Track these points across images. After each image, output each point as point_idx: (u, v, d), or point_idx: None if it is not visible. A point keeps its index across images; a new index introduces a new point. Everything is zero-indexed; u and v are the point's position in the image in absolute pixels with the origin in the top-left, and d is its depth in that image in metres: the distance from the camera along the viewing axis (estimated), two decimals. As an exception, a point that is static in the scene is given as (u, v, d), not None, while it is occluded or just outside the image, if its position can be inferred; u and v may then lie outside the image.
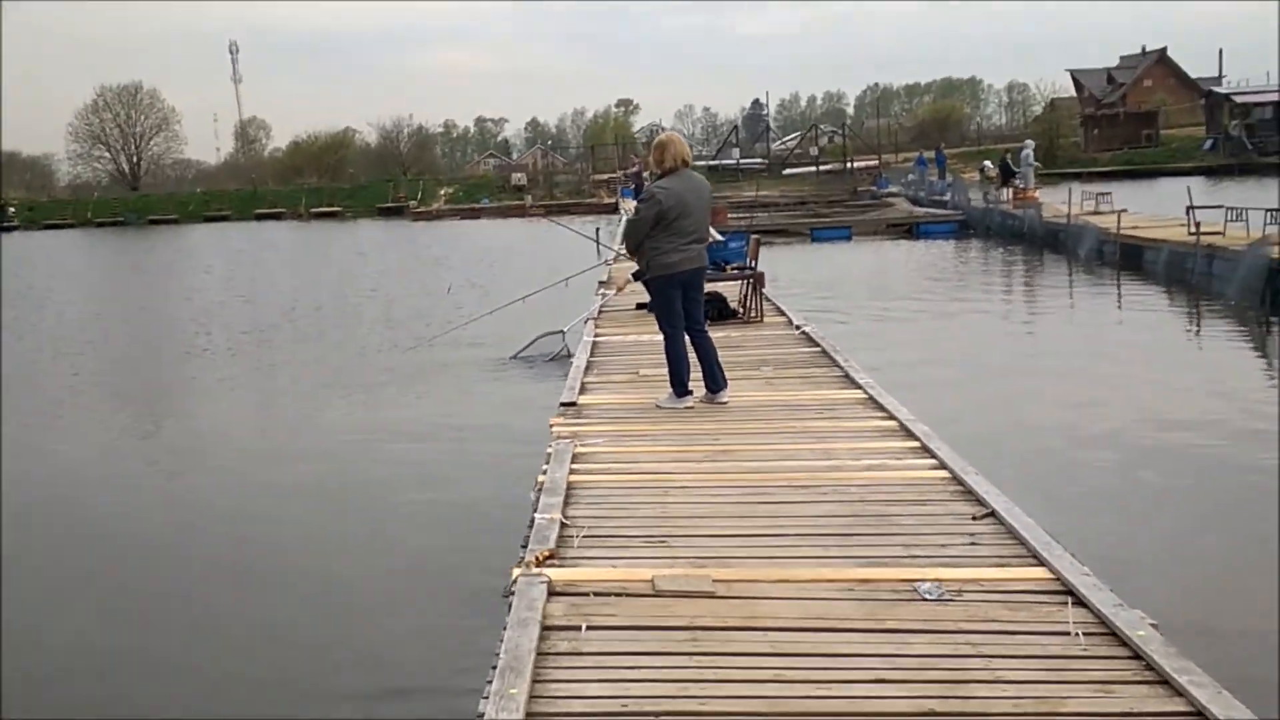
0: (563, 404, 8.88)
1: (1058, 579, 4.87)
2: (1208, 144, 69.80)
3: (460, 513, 9.09)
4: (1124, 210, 29.52)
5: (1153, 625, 4.31)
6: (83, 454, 12.24)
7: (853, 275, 26.70)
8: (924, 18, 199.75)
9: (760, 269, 13.72)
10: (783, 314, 13.77)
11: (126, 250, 52.91)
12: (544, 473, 6.76)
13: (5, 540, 8.90)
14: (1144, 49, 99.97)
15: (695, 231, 8.54)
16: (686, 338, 8.74)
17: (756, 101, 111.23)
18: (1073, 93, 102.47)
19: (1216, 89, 78.23)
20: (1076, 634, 4.35)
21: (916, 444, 7.30)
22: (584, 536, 5.57)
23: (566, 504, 6.09)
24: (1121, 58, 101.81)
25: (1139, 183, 51.12)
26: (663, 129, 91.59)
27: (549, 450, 7.35)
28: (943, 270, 27.59)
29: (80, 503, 10.24)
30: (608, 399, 9.14)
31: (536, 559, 5.14)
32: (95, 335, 22.25)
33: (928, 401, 9.76)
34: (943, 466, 6.73)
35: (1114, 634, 4.32)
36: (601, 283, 19.45)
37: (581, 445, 7.48)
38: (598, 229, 39.27)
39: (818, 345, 11.37)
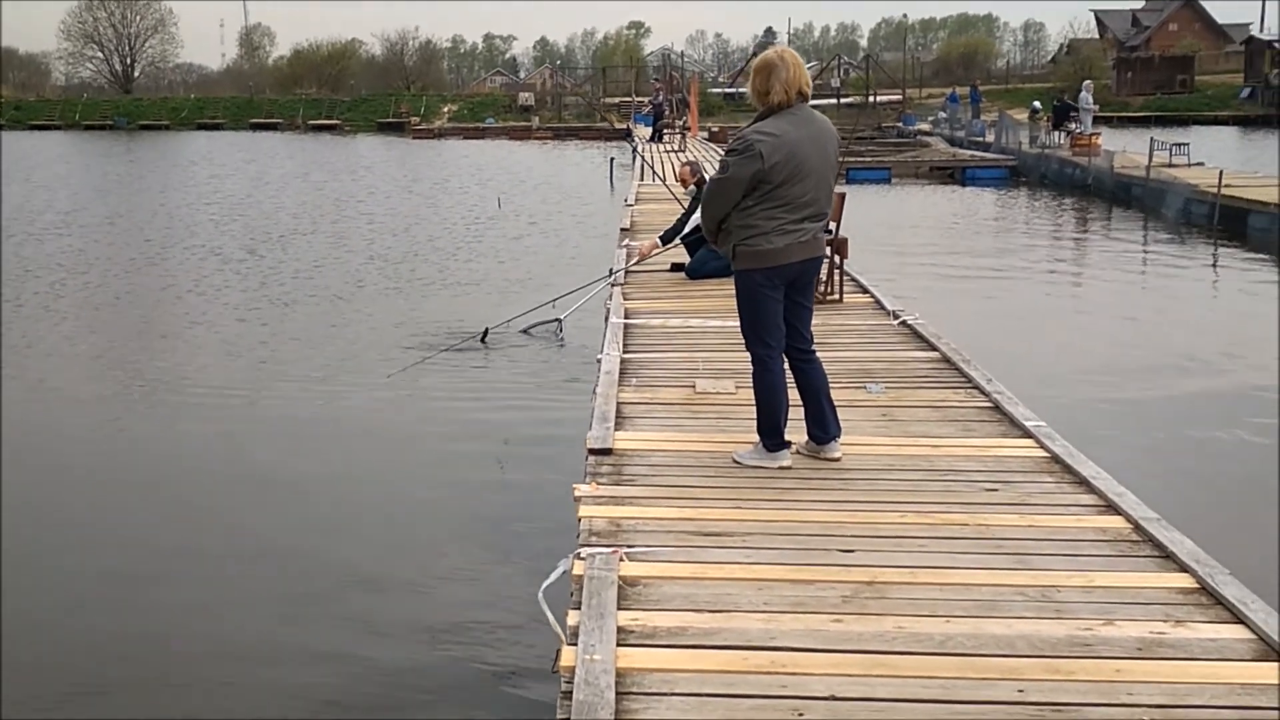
0: (593, 450, 5.82)
1: None
2: (1245, 92, 66.80)
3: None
4: (1201, 164, 26.59)
5: None
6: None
7: (908, 226, 23.40)
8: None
9: (843, 235, 10.38)
10: (866, 291, 10.55)
11: (108, 159, 49.45)
12: (573, 638, 3.78)
13: None
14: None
15: (812, 203, 5.44)
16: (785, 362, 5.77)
17: (769, 29, 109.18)
18: (1092, 34, 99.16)
19: (1258, 35, 74.67)
20: None
21: (1191, 583, 4.32)
22: None
23: (620, 753, 3.16)
24: (1147, 0, 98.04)
25: (1171, 130, 47.59)
26: (675, 53, 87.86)
27: (576, 570, 4.36)
28: (1012, 224, 24.38)
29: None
30: (657, 441, 6.10)
31: None
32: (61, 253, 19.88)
33: (1103, 446, 6.86)
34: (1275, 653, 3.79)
35: None
36: (624, 230, 16.23)
37: (629, 559, 4.51)
38: (611, 159, 36.32)
39: (932, 346, 8.32)
